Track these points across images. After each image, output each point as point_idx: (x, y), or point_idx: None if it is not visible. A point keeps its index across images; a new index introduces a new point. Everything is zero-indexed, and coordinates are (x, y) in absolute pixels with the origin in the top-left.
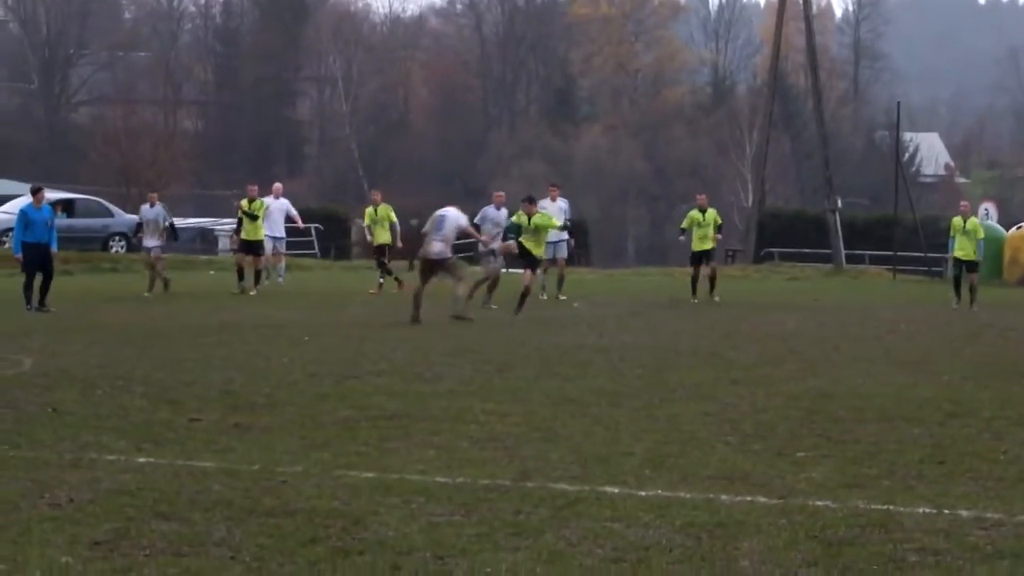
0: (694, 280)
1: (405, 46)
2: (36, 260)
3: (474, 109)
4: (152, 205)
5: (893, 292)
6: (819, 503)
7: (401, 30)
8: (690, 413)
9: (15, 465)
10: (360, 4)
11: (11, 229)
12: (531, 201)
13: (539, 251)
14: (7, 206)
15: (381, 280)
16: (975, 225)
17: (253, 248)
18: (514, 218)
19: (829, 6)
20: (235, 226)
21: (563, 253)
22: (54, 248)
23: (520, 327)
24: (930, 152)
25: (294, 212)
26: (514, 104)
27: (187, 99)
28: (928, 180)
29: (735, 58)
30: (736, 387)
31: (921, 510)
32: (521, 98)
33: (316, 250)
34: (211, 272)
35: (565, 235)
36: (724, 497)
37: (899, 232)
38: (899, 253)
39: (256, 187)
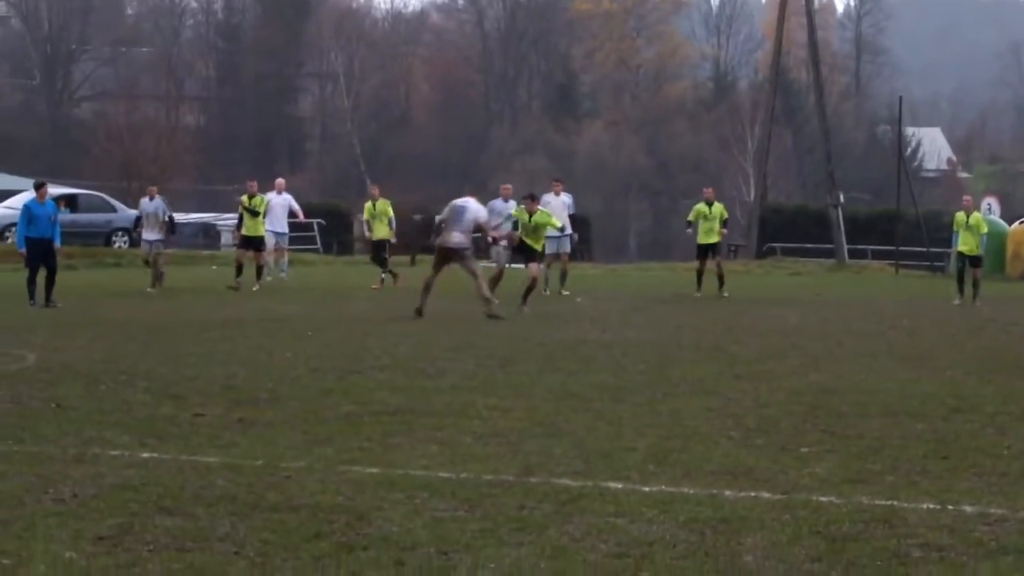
0: (699, 274)
1: (407, 42)
2: (39, 255)
3: (476, 105)
4: (151, 198)
5: (896, 287)
6: (823, 498)
7: (403, 26)
8: (693, 408)
9: (19, 460)
10: (362, 0)
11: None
12: (532, 199)
13: (538, 246)
14: (10, 201)
15: (383, 275)
16: (978, 220)
17: (254, 244)
18: (514, 213)
19: (831, 1)
20: (237, 222)
21: (566, 248)
22: (57, 243)
23: (523, 322)
24: (932, 147)
25: (296, 206)
26: (516, 100)
27: (189, 95)
28: (930, 175)
29: (737, 53)
30: (739, 382)
31: (925, 506)
32: (523, 93)
33: (318, 245)
34: (213, 267)
35: (568, 230)
36: (727, 492)
37: (901, 227)
38: (901, 248)
39: (255, 183)
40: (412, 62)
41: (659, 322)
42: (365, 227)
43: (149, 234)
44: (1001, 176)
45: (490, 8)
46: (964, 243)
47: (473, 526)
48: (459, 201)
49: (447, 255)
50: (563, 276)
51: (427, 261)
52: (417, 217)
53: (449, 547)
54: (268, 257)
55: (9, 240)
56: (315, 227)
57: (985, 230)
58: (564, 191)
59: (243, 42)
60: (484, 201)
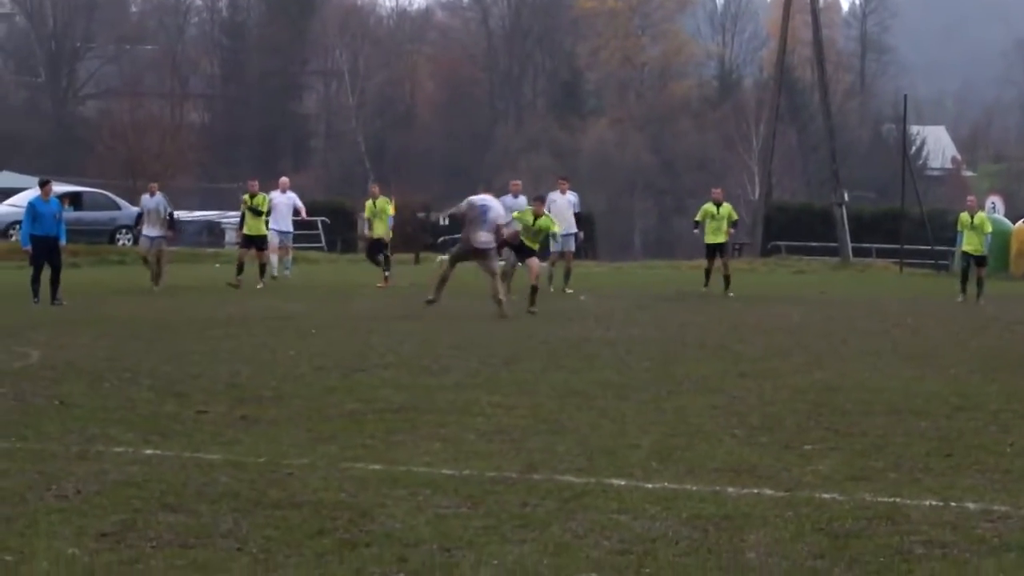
0: (707, 272)
1: (411, 40)
2: (44, 253)
3: (480, 103)
4: (152, 195)
5: (900, 285)
6: (826, 496)
7: (407, 24)
8: (697, 406)
9: (22, 457)
10: None
11: (19, 222)
12: (541, 200)
13: (535, 246)
14: (14, 199)
15: (387, 273)
16: (983, 220)
17: (255, 242)
18: (516, 214)
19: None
20: (239, 221)
21: (571, 247)
22: (63, 241)
23: (527, 320)
24: (937, 145)
25: (300, 204)
26: (521, 97)
27: (193, 92)
28: (935, 173)
29: (742, 51)
30: (743, 380)
31: (928, 503)
32: (528, 91)
33: (323, 243)
34: (217, 265)
35: (574, 229)
36: (731, 489)
37: (906, 225)
38: (906, 246)
39: (256, 182)
40: (417, 60)
41: (663, 320)
42: (366, 225)
43: (150, 231)
44: (1006, 175)
45: (495, 6)
46: (969, 243)
47: (476, 523)
48: (478, 200)
49: (472, 254)
50: (567, 274)
51: (431, 259)
52: (421, 215)
53: (452, 544)
54: (273, 256)
55: (13, 238)
56: (319, 225)
57: (990, 230)
58: (570, 190)
59: (247, 40)
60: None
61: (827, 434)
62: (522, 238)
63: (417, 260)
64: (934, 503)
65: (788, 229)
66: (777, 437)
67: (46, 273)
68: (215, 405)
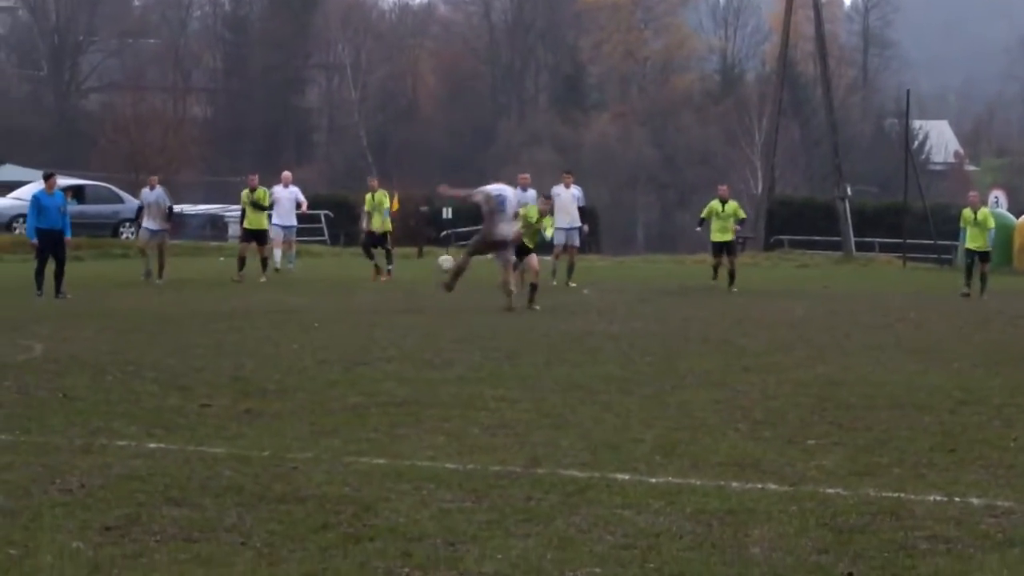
0: (715, 267)
1: (414, 33)
2: (48, 246)
3: (483, 97)
4: (152, 188)
5: (903, 280)
6: (829, 491)
7: (410, 17)
8: (700, 400)
9: (26, 450)
10: None
11: (22, 215)
12: (548, 198)
13: (532, 244)
14: (18, 192)
15: (390, 267)
16: (986, 215)
17: (256, 236)
18: (522, 211)
19: None
20: (240, 215)
21: (575, 241)
22: (68, 235)
23: (530, 314)
24: (939, 140)
25: (302, 198)
26: (523, 92)
27: (196, 86)
28: (938, 168)
29: (744, 46)
30: (746, 374)
31: (932, 498)
32: (530, 86)
33: (326, 237)
34: (220, 259)
35: (578, 223)
36: (735, 484)
37: (908, 220)
38: (909, 241)
39: (256, 176)
40: (419, 54)
41: (666, 314)
42: (365, 219)
43: (150, 224)
44: (1008, 169)
45: (497, 0)
46: (972, 240)
47: (480, 517)
48: (494, 190)
49: (493, 246)
50: (570, 268)
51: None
52: (424, 209)
53: (456, 538)
54: (276, 250)
55: (17, 231)
56: (322, 219)
57: (993, 225)
58: (574, 183)
59: (250, 34)
60: None
61: (830, 429)
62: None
63: (420, 254)
64: (938, 498)
65: (791, 223)
66: (780, 432)
67: (50, 266)
68: (219, 399)
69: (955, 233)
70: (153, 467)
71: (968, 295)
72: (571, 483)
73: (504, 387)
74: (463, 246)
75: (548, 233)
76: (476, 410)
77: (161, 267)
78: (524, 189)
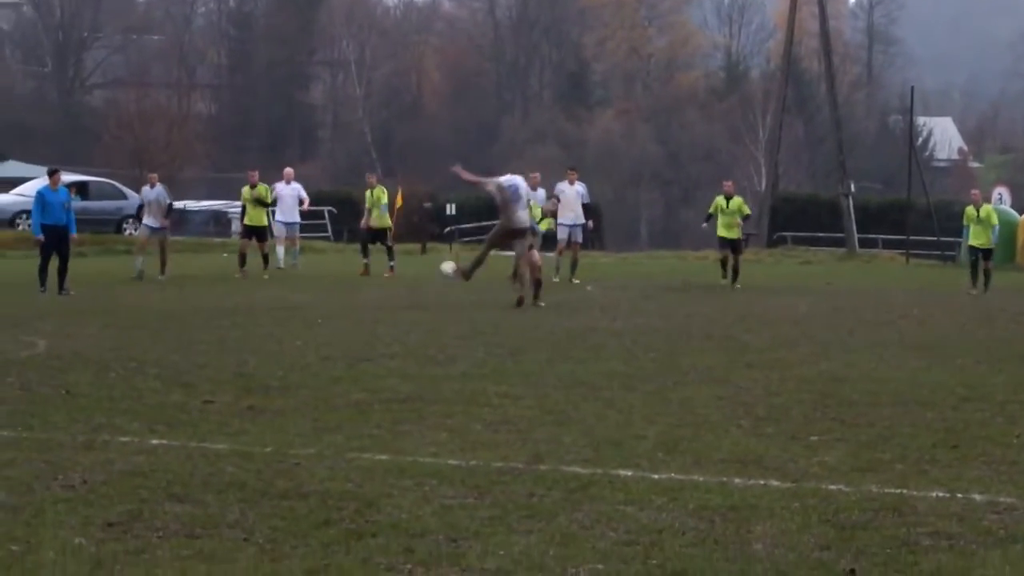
0: (723, 263)
1: (418, 30)
2: (52, 242)
3: (487, 93)
4: (152, 186)
5: (906, 276)
6: (832, 487)
7: (414, 14)
8: (703, 396)
9: (28, 447)
10: None
11: (25, 211)
12: (556, 199)
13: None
14: (21, 188)
15: (392, 263)
16: (989, 212)
17: (256, 233)
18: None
19: None
20: (240, 212)
21: (578, 237)
22: (73, 232)
23: (533, 311)
24: (943, 136)
25: (304, 195)
26: (527, 88)
27: (200, 82)
28: (941, 164)
29: (748, 42)
30: (749, 371)
31: (934, 494)
32: (534, 82)
33: (329, 233)
34: (224, 255)
35: (583, 219)
36: (737, 480)
37: (912, 216)
38: (912, 237)
39: (256, 173)
40: (424, 50)
41: (669, 310)
42: (366, 215)
43: (151, 221)
44: (1012, 166)
45: None
46: (976, 237)
47: (482, 513)
48: (507, 181)
49: (512, 234)
50: (574, 265)
51: (438, 249)
52: (428, 205)
53: (458, 534)
54: (279, 247)
55: (20, 227)
56: (326, 215)
57: (996, 222)
58: (578, 180)
59: (255, 30)
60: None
61: (833, 425)
62: None
63: (424, 250)
64: (940, 494)
65: (794, 220)
66: (783, 428)
67: (53, 263)
68: (221, 395)
69: (959, 230)
70: (155, 463)
71: (975, 295)
72: (573, 479)
73: (507, 383)
74: (466, 242)
75: (542, 226)
76: (479, 406)
77: (163, 264)
78: (534, 188)
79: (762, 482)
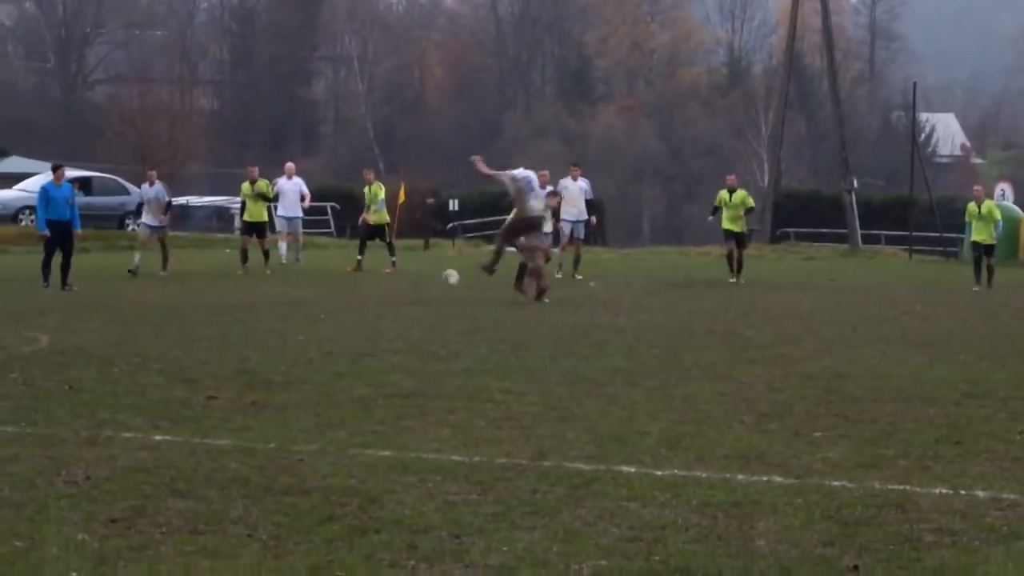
0: (729, 258)
1: (421, 26)
2: (56, 237)
3: (490, 89)
4: (152, 184)
5: (909, 272)
6: (835, 483)
7: (417, 10)
8: (706, 393)
9: (32, 442)
10: None
11: (28, 207)
12: (555, 195)
13: None
14: (24, 184)
15: (393, 259)
16: (991, 208)
17: (256, 229)
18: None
19: None
20: (239, 208)
21: (580, 233)
22: (77, 228)
23: (535, 307)
24: (946, 132)
25: (306, 191)
26: (530, 84)
27: (203, 78)
28: (944, 160)
29: (751, 38)
30: (752, 367)
31: (937, 490)
32: (537, 78)
33: (332, 229)
34: (227, 250)
35: (585, 215)
36: (740, 477)
37: (915, 212)
38: (915, 233)
39: (256, 168)
40: (426, 46)
41: (672, 307)
42: (366, 211)
43: (150, 219)
44: (1015, 162)
45: None
46: (978, 233)
47: (486, 509)
48: (520, 173)
49: (527, 224)
50: (576, 260)
51: (441, 245)
52: (430, 201)
53: (462, 530)
54: (281, 243)
55: (23, 223)
56: (329, 211)
57: (999, 217)
58: (581, 176)
59: (257, 25)
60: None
61: (836, 421)
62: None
63: (427, 246)
64: (943, 491)
65: (797, 216)
66: (786, 424)
67: (56, 258)
68: (224, 391)
69: (961, 226)
70: (159, 459)
71: (977, 291)
72: (577, 476)
73: (510, 380)
74: (469, 238)
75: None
76: (482, 402)
77: (165, 260)
78: (543, 186)
79: (765, 478)
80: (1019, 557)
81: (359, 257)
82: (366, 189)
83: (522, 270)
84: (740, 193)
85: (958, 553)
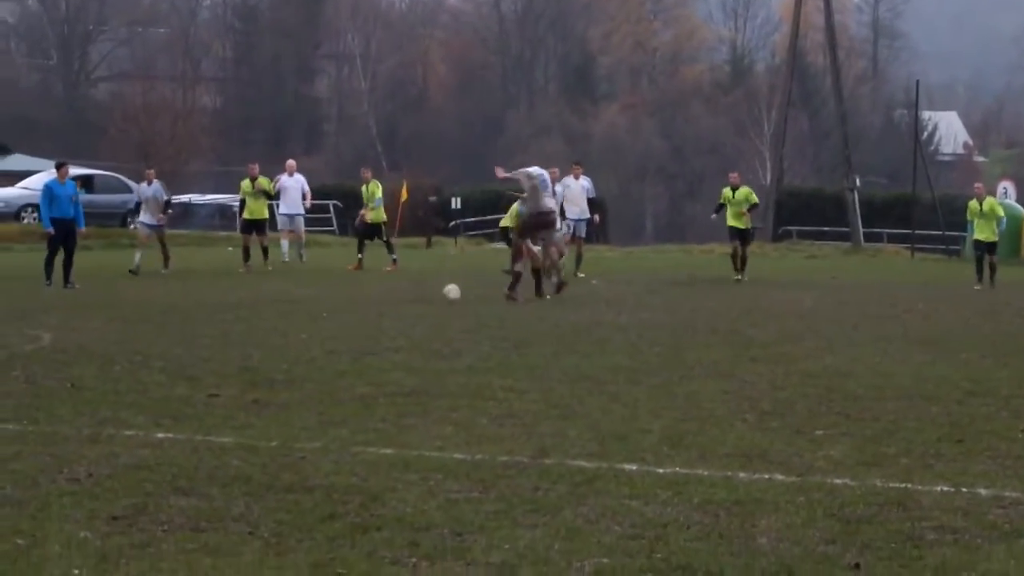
0: (734, 257)
1: (423, 23)
2: (60, 235)
3: (492, 87)
4: (149, 183)
5: (911, 270)
6: (837, 481)
7: (419, 7)
8: (708, 391)
9: (34, 440)
10: None
11: (31, 205)
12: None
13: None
14: (26, 182)
15: (394, 256)
16: (992, 205)
17: (257, 226)
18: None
19: None
20: (239, 206)
21: (582, 232)
22: (81, 226)
23: (538, 304)
24: (949, 131)
25: (307, 189)
26: (532, 82)
27: (206, 75)
28: (947, 159)
29: (754, 36)
30: (754, 365)
31: (939, 488)
32: (539, 76)
33: (335, 227)
34: (229, 248)
35: (587, 214)
36: (742, 475)
37: (917, 211)
38: (917, 232)
39: (257, 166)
40: (429, 44)
41: (675, 305)
42: (363, 209)
43: (147, 218)
44: (1017, 160)
45: None
46: (980, 231)
47: (488, 507)
48: (535, 170)
49: (541, 219)
50: (578, 258)
51: (444, 243)
52: (433, 199)
53: (463, 528)
54: (284, 240)
55: (26, 221)
56: (331, 209)
57: (1002, 213)
58: (583, 175)
59: (260, 23)
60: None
61: (838, 419)
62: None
63: (429, 244)
64: (945, 489)
65: (799, 214)
66: (788, 422)
67: (59, 256)
68: (227, 388)
69: (963, 224)
70: (161, 457)
71: (979, 290)
72: (579, 473)
73: (512, 377)
74: (472, 236)
75: None
76: (484, 400)
77: (166, 258)
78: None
79: (767, 476)
80: (1021, 555)
81: (359, 256)
82: (363, 187)
83: (516, 279)
84: (744, 190)
85: (960, 551)
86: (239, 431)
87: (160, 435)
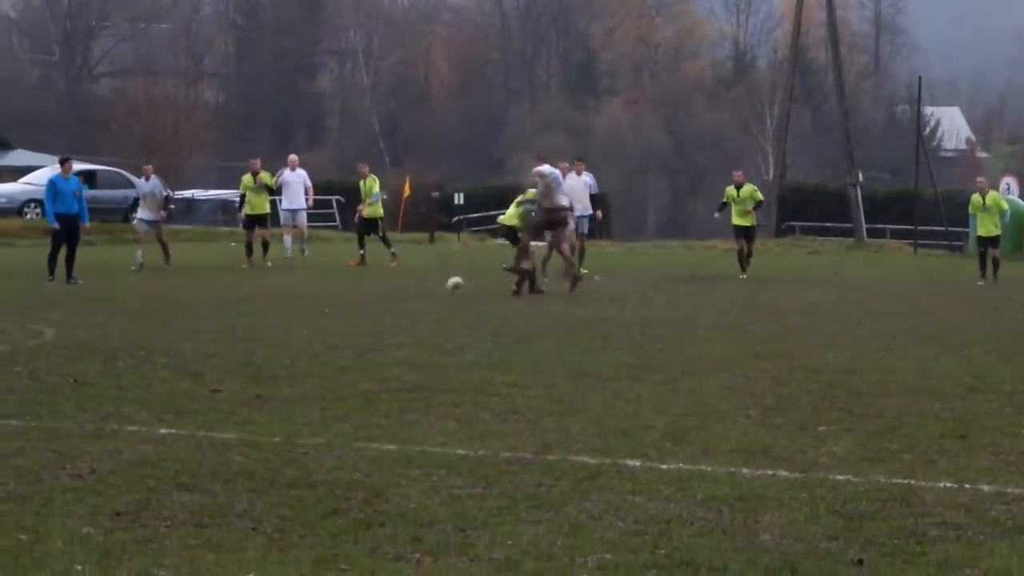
0: (740, 255)
1: (426, 19)
2: (64, 231)
3: (494, 83)
4: (148, 179)
5: (914, 266)
6: (840, 477)
7: (422, 3)
8: (711, 387)
9: (37, 436)
10: None
11: (34, 200)
12: None
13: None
14: (29, 177)
15: (393, 251)
16: (995, 199)
17: (259, 221)
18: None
19: None
20: (239, 201)
21: (584, 228)
22: (85, 221)
23: (540, 300)
24: (951, 127)
25: (309, 184)
26: (535, 78)
27: (208, 71)
28: (949, 155)
29: (756, 32)
30: (757, 361)
31: (942, 484)
32: (542, 72)
33: (337, 222)
34: (232, 244)
35: (590, 210)
36: (745, 471)
37: (920, 206)
38: (920, 227)
39: (258, 160)
40: (431, 40)
41: (677, 301)
42: (362, 205)
43: (145, 214)
44: (1020, 156)
45: None
46: (983, 225)
47: (491, 503)
48: (548, 169)
49: (555, 215)
50: (580, 255)
51: (446, 239)
52: (436, 195)
53: (466, 524)
54: (286, 236)
55: (28, 216)
56: (334, 204)
57: (1006, 207)
58: (586, 171)
59: (262, 19)
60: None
61: (841, 415)
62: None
63: (432, 239)
64: (948, 485)
65: (802, 210)
66: (791, 418)
67: (62, 251)
68: (229, 384)
69: (966, 220)
70: (164, 452)
71: (982, 285)
72: (582, 469)
73: (515, 373)
74: (475, 231)
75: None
76: (487, 396)
77: (167, 253)
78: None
79: (770, 472)
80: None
81: (361, 251)
82: (361, 182)
83: (523, 276)
84: (748, 188)
85: (963, 547)
86: (242, 427)
87: (163, 431)
